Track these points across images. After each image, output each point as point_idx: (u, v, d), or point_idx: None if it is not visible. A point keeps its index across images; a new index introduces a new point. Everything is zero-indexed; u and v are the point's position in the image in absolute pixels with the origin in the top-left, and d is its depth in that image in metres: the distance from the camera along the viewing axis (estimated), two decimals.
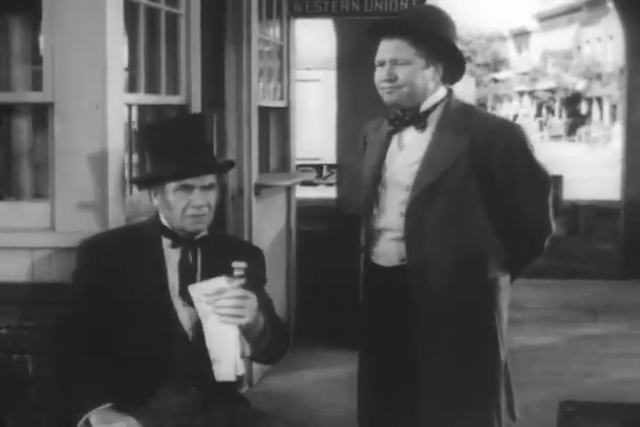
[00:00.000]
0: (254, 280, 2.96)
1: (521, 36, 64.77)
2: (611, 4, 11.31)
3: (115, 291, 2.91)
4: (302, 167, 16.35)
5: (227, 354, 2.75)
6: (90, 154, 3.46)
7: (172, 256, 2.97)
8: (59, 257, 3.48)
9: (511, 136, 3.22)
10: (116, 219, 3.49)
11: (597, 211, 13.92)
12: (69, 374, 2.89)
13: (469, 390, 3.26)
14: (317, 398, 5.28)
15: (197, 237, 2.98)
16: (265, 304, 2.99)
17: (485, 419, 3.28)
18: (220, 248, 3.00)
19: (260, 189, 5.58)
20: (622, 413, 3.55)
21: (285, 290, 6.32)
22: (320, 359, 6.04)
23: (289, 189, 6.37)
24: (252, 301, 2.77)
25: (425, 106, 3.27)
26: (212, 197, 2.95)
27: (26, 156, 3.82)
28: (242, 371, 2.77)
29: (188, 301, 2.91)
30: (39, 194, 3.77)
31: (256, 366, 5.53)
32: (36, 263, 3.52)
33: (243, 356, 2.77)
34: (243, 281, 2.74)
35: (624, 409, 3.63)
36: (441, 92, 3.29)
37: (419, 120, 3.27)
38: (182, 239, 2.97)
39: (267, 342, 2.89)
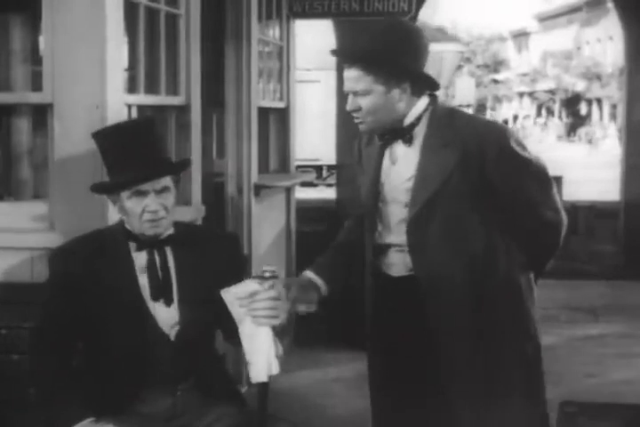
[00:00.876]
0: (239, 265, 3.01)
1: (521, 36, 64.78)
2: (610, 5, 11.31)
3: (88, 296, 2.90)
4: (302, 168, 16.34)
5: (259, 355, 2.78)
6: (89, 154, 3.46)
7: (140, 259, 2.97)
8: None
9: (501, 139, 3.14)
10: (115, 219, 3.49)
11: (597, 212, 13.91)
12: (49, 391, 2.90)
13: (497, 393, 3.21)
14: (317, 398, 5.28)
15: (162, 237, 2.97)
16: None
17: (519, 419, 3.25)
18: (191, 243, 3.01)
19: (259, 189, 5.58)
20: (622, 413, 3.55)
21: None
22: (320, 359, 6.04)
23: (288, 190, 6.37)
24: (284, 302, 2.80)
25: (408, 120, 3.18)
26: (168, 199, 2.93)
27: (26, 156, 3.83)
28: (276, 371, 2.80)
29: (166, 302, 2.93)
30: (39, 194, 3.78)
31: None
32: (36, 263, 3.52)
33: (277, 356, 2.80)
34: (273, 282, 2.78)
35: (624, 409, 3.63)
36: (422, 102, 3.19)
37: (404, 134, 3.20)
38: (147, 242, 2.96)
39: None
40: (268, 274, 2.78)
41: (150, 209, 2.89)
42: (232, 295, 2.80)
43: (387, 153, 3.28)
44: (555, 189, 3.26)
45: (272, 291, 2.76)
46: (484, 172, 3.13)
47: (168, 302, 2.93)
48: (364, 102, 3.12)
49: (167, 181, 2.93)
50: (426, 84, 3.20)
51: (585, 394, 5.18)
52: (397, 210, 3.23)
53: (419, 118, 3.18)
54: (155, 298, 2.92)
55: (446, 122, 3.18)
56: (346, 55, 3.21)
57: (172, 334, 2.93)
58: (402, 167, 3.23)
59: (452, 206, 3.15)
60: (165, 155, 3.02)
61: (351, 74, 3.12)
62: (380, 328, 3.36)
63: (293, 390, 5.38)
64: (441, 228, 3.16)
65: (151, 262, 2.95)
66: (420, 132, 3.20)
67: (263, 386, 2.87)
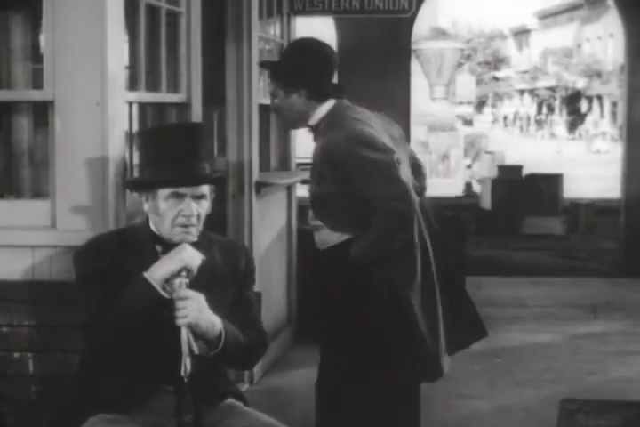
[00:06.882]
0: (236, 280, 3.02)
1: (521, 34, 64.73)
2: (611, 2, 11.29)
3: (115, 288, 2.89)
4: (303, 166, 16.30)
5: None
6: (90, 152, 3.46)
7: None
8: (59, 255, 3.49)
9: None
10: (116, 217, 3.50)
11: (598, 209, 13.92)
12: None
13: None
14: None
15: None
16: (245, 306, 3.05)
17: None
18: (209, 251, 2.98)
19: (260, 187, 5.57)
20: (623, 410, 3.55)
21: (285, 289, 6.32)
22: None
23: (289, 188, 6.37)
24: (194, 301, 2.79)
25: (312, 121, 3.68)
26: (202, 206, 2.93)
27: (26, 154, 3.82)
28: (188, 369, 2.80)
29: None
30: (39, 192, 3.77)
31: (257, 365, 5.52)
32: (37, 261, 3.52)
33: (190, 355, 2.80)
34: (183, 281, 2.80)
35: (624, 407, 3.62)
36: (325, 106, 3.66)
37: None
38: (171, 246, 2.92)
39: (232, 346, 2.91)
40: (182, 273, 2.81)
41: (185, 213, 2.89)
42: None
43: None
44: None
45: (182, 290, 2.80)
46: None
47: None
48: (275, 102, 3.75)
49: (206, 189, 2.94)
50: (328, 91, 3.68)
51: (585, 392, 5.18)
52: None
53: (322, 120, 3.64)
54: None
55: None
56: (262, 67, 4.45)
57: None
58: None
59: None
60: (207, 162, 3.04)
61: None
62: None
63: (293, 389, 5.37)
64: None
65: None
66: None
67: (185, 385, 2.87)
